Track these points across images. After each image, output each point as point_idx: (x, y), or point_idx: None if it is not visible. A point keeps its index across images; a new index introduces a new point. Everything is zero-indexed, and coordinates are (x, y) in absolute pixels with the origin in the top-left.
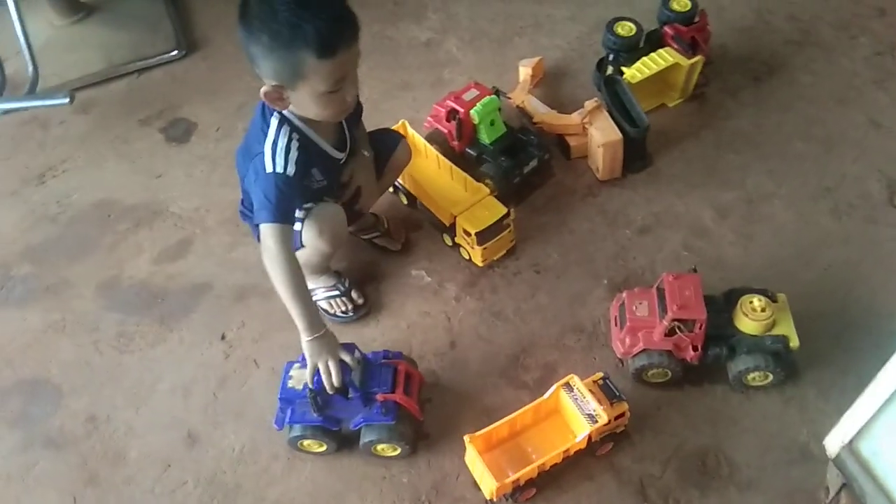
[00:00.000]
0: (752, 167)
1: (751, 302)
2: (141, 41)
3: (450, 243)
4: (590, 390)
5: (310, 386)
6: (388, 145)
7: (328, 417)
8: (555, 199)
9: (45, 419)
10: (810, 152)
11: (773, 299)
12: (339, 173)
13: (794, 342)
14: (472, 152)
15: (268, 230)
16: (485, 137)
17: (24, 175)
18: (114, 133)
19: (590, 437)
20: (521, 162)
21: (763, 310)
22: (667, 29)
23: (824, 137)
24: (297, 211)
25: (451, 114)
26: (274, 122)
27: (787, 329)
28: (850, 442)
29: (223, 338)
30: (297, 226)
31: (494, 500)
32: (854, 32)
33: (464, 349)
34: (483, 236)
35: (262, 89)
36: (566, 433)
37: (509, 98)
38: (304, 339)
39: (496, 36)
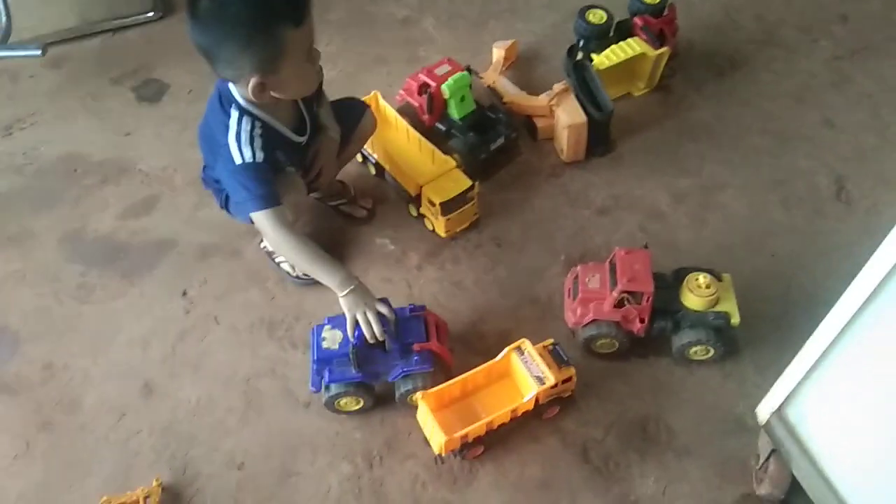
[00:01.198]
0: (709, 157)
1: (696, 279)
2: (117, 0)
3: (415, 214)
4: (539, 354)
5: (352, 340)
6: (353, 115)
7: (367, 372)
8: (520, 177)
9: (0, 365)
10: (765, 146)
11: (719, 278)
12: (302, 156)
13: (736, 319)
14: (441, 127)
15: (261, 218)
16: (455, 113)
17: None
18: (85, 89)
19: (537, 399)
20: (488, 139)
21: (708, 286)
22: (636, 20)
23: (779, 133)
24: None
25: (423, 88)
26: (234, 113)
27: (730, 307)
28: (779, 408)
29: (184, 294)
30: None
31: (443, 454)
32: (816, 36)
33: None
34: (447, 207)
35: (250, 85)
36: (516, 395)
37: (481, 78)
38: (340, 295)
39: (473, 18)
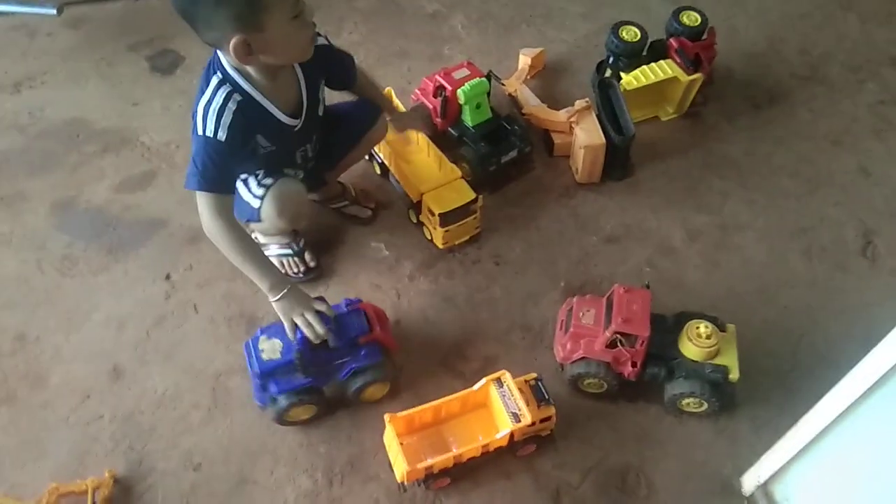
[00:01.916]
0: (732, 194)
1: (697, 328)
2: None
3: (414, 220)
4: (519, 389)
5: (293, 343)
6: (366, 118)
7: (316, 375)
8: (529, 193)
9: None
10: (794, 189)
11: (722, 329)
12: (292, 140)
13: (735, 374)
14: (453, 132)
15: (201, 200)
16: (468, 120)
17: (2, 81)
18: (99, 54)
19: (512, 436)
20: (500, 150)
21: (708, 337)
22: (672, 41)
23: (811, 176)
24: (240, 180)
25: (439, 90)
26: (214, 80)
27: (730, 360)
28: (766, 483)
29: (167, 277)
30: (255, 202)
31: (405, 483)
32: (863, 76)
33: (407, 328)
34: (446, 218)
35: (231, 44)
36: (490, 428)
37: (503, 84)
38: (272, 299)
39: (504, 20)
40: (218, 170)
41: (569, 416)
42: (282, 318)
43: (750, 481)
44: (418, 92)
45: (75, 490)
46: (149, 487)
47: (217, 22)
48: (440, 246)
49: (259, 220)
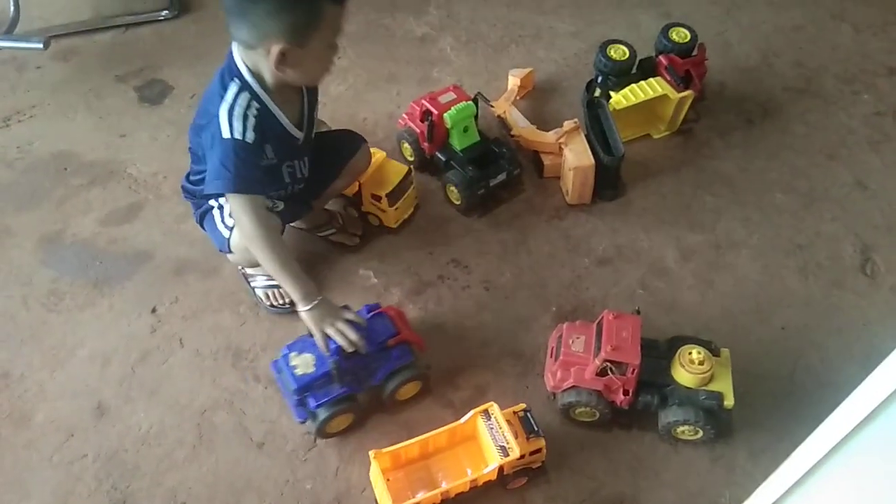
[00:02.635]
0: (726, 212)
1: (690, 353)
2: None
3: (356, 214)
4: (508, 421)
5: (326, 354)
6: (348, 148)
7: (351, 383)
8: (519, 216)
9: None
10: (789, 205)
11: (716, 353)
12: (294, 153)
13: (730, 401)
14: (441, 157)
15: (237, 202)
16: (456, 144)
17: None
18: (88, 85)
19: (502, 470)
20: (488, 174)
21: (701, 363)
22: (661, 58)
23: (806, 192)
24: (215, 207)
25: (426, 114)
26: (233, 87)
27: (725, 386)
28: None
29: (153, 311)
30: (226, 232)
31: None
32: (858, 88)
33: None
34: (393, 196)
35: (273, 52)
36: (479, 461)
37: (492, 106)
38: (303, 309)
39: (493, 41)
40: (250, 171)
41: (561, 445)
42: (312, 329)
43: None
44: (406, 116)
45: None
46: None
47: (267, 27)
48: (393, 225)
49: (229, 251)
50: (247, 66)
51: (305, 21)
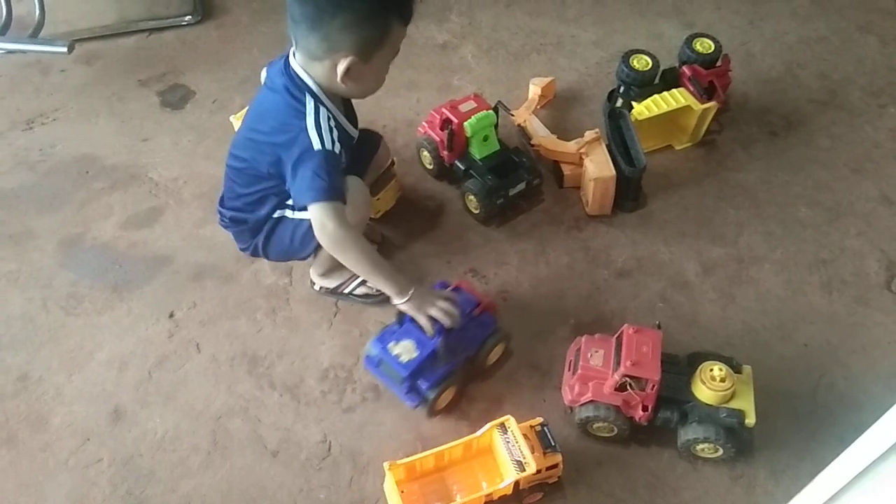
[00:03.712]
0: (749, 225)
1: (711, 370)
2: (157, 0)
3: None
4: (524, 435)
5: (431, 336)
6: (370, 145)
7: (452, 359)
8: (539, 226)
9: None
10: (813, 219)
11: (738, 370)
12: (350, 155)
13: (751, 419)
14: (460, 165)
15: (328, 211)
16: (476, 152)
17: (15, 118)
18: (111, 89)
19: (517, 484)
20: (508, 183)
21: (722, 380)
22: (685, 69)
23: (831, 206)
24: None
25: (445, 123)
26: (310, 101)
27: (746, 404)
28: None
29: (171, 316)
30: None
31: None
32: (885, 101)
33: None
34: (376, 187)
35: (343, 65)
36: (495, 475)
37: (512, 115)
38: (401, 301)
39: (514, 49)
40: (337, 179)
41: (578, 460)
42: (415, 316)
43: None
44: (426, 124)
45: None
46: None
47: (338, 40)
48: (375, 216)
49: (309, 256)
50: (311, 78)
51: (375, 37)
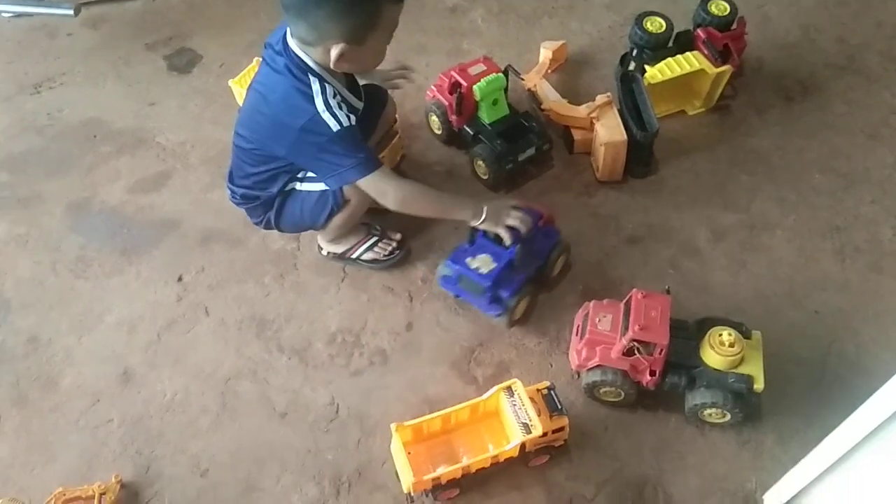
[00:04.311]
0: (761, 191)
1: (720, 335)
2: None
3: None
4: (531, 398)
5: (507, 246)
6: (379, 100)
7: (526, 267)
8: (548, 192)
9: None
10: (827, 186)
11: (747, 335)
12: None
13: (759, 384)
14: (469, 130)
15: (378, 179)
16: (485, 117)
17: (22, 82)
18: (118, 53)
19: (524, 447)
20: (517, 148)
21: (731, 345)
22: (699, 32)
23: (846, 172)
24: (295, 183)
25: (454, 86)
26: (315, 83)
27: (755, 369)
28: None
29: (180, 279)
30: (326, 202)
31: (412, 494)
32: None
33: (419, 333)
34: (379, 146)
35: (335, 52)
36: (501, 438)
37: (522, 79)
38: (478, 222)
39: (525, 12)
40: (368, 148)
41: (584, 425)
42: (494, 229)
43: (771, 500)
44: (434, 88)
45: (81, 495)
46: (156, 494)
47: (327, 29)
48: None
49: (340, 204)
50: (311, 58)
51: (365, 23)
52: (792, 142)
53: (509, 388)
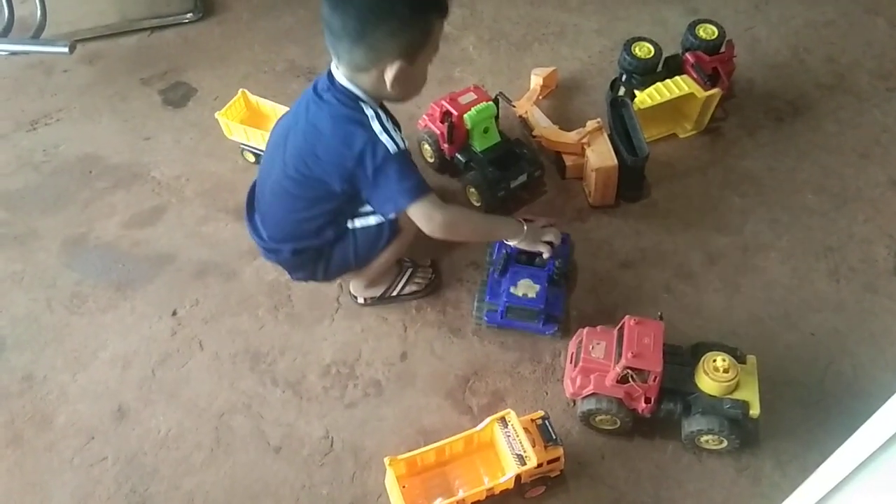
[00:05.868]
0: (754, 213)
1: (714, 360)
2: None
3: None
4: (525, 429)
5: (543, 267)
6: None
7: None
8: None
9: None
10: (820, 206)
11: (742, 360)
12: None
13: (755, 410)
14: (461, 158)
15: (427, 205)
16: (476, 145)
17: (19, 119)
18: (114, 88)
19: (519, 478)
20: (509, 175)
21: (726, 371)
22: (688, 56)
23: (838, 192)
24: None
25: (445, 115)
26: (369, 111)
27: (751, 395)
28: None
29: (174, 314)
30: (381, 234)
31: None
32: (893, 84)
33: (414, 362)
34: None
35: (394, 70)
36: (496, 469)
37: (513, 106)
38: (517, 241)
39: (516, 39)
40: (419, 173)
41: (581, 454)
42: (534, 247)
43: None
44: (426, 117)
45: None
46: None
47: (383, 48)
48: None
49: (397, 232)
50: (359, 88)
51: (419, 38)
52: (783, 162)
53: (503, 419)
